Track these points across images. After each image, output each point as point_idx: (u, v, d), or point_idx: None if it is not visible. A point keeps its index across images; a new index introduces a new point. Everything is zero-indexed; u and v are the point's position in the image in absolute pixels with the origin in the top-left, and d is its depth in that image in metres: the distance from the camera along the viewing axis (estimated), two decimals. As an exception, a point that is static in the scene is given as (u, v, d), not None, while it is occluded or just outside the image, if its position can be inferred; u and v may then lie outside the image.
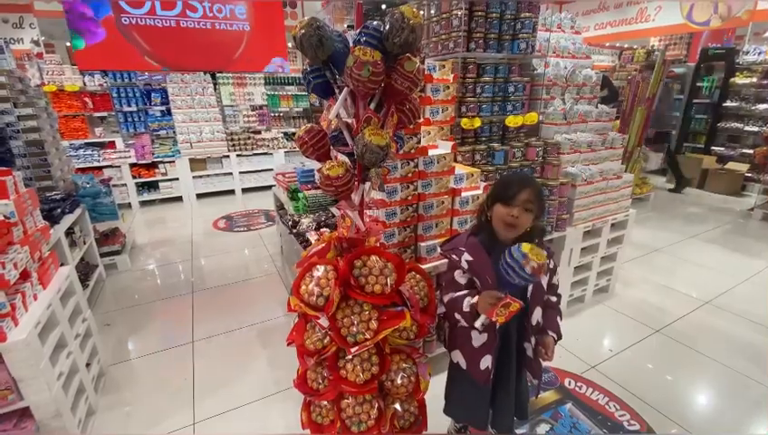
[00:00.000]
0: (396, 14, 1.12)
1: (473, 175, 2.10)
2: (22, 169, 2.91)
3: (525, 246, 1.13)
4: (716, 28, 7.19)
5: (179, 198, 6.10)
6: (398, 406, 1.45)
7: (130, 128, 5.83)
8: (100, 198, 3.60)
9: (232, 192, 6.43)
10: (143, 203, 5.95)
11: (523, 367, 1.46)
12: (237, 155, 6.31)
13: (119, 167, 5.62)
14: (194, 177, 6.11)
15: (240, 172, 6.40)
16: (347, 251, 1.37)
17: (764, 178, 5.26)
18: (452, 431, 1.80)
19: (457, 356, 1.46)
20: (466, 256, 1.33)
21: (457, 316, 1.32)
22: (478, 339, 1.37)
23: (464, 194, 2.02)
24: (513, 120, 2.51)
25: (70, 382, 1.87)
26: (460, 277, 1.37)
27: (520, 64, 2.66)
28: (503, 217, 1.28)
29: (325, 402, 1.43)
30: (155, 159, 5.81)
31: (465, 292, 1.32)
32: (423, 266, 1.86)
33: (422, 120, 2.04)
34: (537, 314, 1.37)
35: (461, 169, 2.11)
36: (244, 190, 6.50)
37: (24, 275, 1.74)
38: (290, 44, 6.66)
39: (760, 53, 6.42)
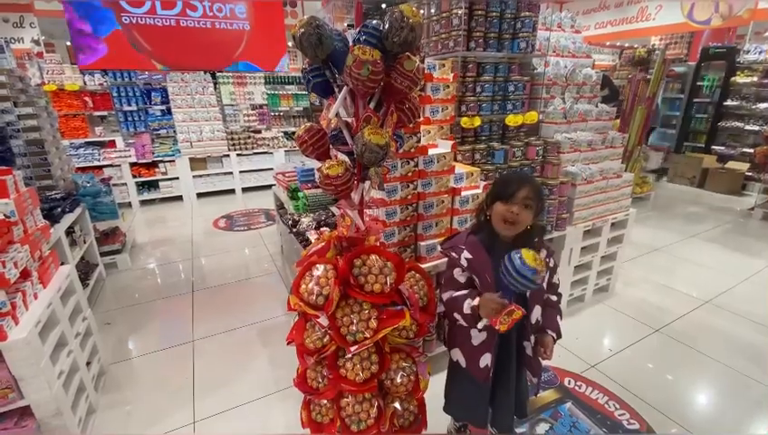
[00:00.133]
0: (395, 13, 1.12)
1: (473, 174, 2.10)
2: (22, 169, 2.91)
3: (527, 256, 1.12)
4: (717, 27, 7.17)
5: (179, 198, 6.10)
6: (397, 405, 1.45)
7: (131, 127, 5.84)
8: (100, 197, 3.60)
9: (232, 191, 6.43)
10: (143, 202, 5.95)
11: (522, 365, 1.46)
12: (237, 154, 6.31)
13: (119, 166, 5.62)
14: (194, 176, 6.11)
15: (240, 171, 6.40)
16: (347, 250, 1.37)
17: (765, 178, 5.26)
18: (452, 430, 1.80)
19: (457, 354, 1.46)
20: (466, 254, 1.33)
21: (457, 316, 1.32)
22: (478, 337, 1.38)
23: (464, 193, 2.02)
24: (513, 120, 2.51)
25: (70, 381, 1.87)
26: (459, 276, 1.37)
27: (520, 63, 2.66)
28: (502, 214, 1.28)
29: (325, 401, 1.44)
30: (155, 159, 5.81)
31: (464, 292, 1.32)
32: (423, 266, 1.86)
33: (422, 119, 2.04)
34: (537, 313, 1.37)
35: (461, 169, 2.11)
36: (245, 190, 6.50)
37: (25, 274, 1.74)
38: (290, 43, 6.65)
39: (761, 52, 6.41)
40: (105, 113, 5.84)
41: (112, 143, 5.76)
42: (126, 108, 5.74)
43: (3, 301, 1.52)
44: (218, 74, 6.32)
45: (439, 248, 1.51)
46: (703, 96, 6.98)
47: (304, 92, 7.02)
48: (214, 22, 5.80)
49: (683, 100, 7.22)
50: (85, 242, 3.23)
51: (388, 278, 1.29)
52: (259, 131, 6.66)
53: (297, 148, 1.37)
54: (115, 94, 5.67)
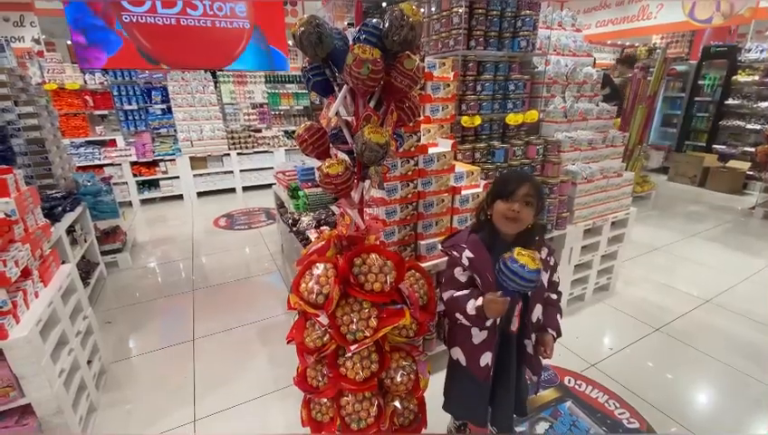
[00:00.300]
0: (395, 12, 1.12)
1: (473, 173, 2.10)
2: (23, 168, 2.91)
3: (521, 257, 1.12)
4: (718, 26, 7.16)
5: (180, 197, 6.11)
6: (397, 404, 1.45)
7: (131, 126, 5.84)
8: (100, 196, 3.60)
9: (232, 190, 6.43)
10: (144, 201, 5.96)
11: (522, 364, 1.46)
12: (238, 153, 6.31)
13: (119, 165, 5.62)
14: (194, 175, 6.11)
15: (241, 170, 6.41)
16: (347, 249, 1.37)
17: (766, 177, 5.24)
18: (452, 429, 1.80)
19: (457, 353, 1.46)
20: (468, 254, 1.33)
21: (459, 316, 1.32)
22: (478, 336, 1.38)
23: (464, 192, 2.02)
24: (513, 118, 2.51)
25: (71, 380, 1.88)
26: (460, 275, 1.37)
27: (520, 62, 2.66)
28: (504, 212, 1.28)
29: (325, 400, 1.44)
30: (155, 158, 5.82)
31: (466, 292, 1.32)
32: (423, 265, 1.87)
33: (422, 118, 2.04)
34: (537, 312, 1.37)
35: (461, 167, 2.11)
36: (245, 189, 6.50)
37: (26, 273, 1.74)
38: (290, 42, 6.65)
39: (762, 51, 6.39)
40: (106, 112, 5.84)
41: (113, 142, 5.77)
42: (126, 107, 5.75)
43: (4, 299, 1.53)
44: (218, 73, 6.33)
45: (440, 247, 1.51)
46: (704, 95, 6.97)
47: (305, 91, 7.02)
48: (214, 21, 5.79)
49: (684, 98, 7.21)
50: (86, 241, 3.23)
51: (388, 277, 1.29)
52: (259, 130, 6.66)
53: (297, 147, 1.37)
54: (115, 93, 5.68)
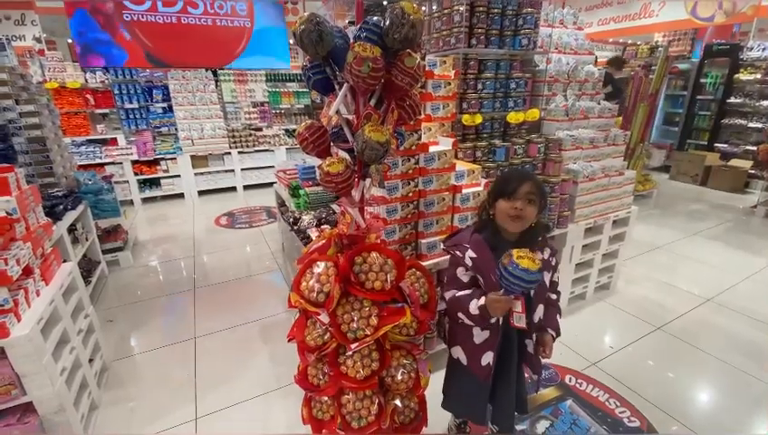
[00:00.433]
0: (396, 10, 1.12)
1: (474, 172, 2.09)
2: (24, 166, 2.92)
3: (523, 261, 1.11)
4: (721, 24, 7.13)
5: (181, 195, 6.11)
6: (398, 402, 1.46)
7: (132, 125, 5.85)
8: (102, 194, 3.60)
9: (233, 189, 6.44)
10: (145, 200, 5.96)
11: (522, 362, 1.46)
12: (239, 152, 6.31)
13: (120, 164, 5.62)
14: (195, 174, 6.12)
15: (241, 169, 6.41)
16: (347, 248, 1.37)
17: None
18: (452, 427, 1.81)
19: (458, 352, 1.46)
20: (470, 254, 1.32)
21: (461, 316, 1.32)
22: (480, 336, 1.37)
23: (464, 191, 2.02)
24: (514, 117, 2.50)
25: (73, 378, 1.88)
26: (463, 275, 1.37)
27: (521, 60, 2.65)
28: (507, 211, 1.28)
29: (326, 398, 1.44)
30: (156, 156, 5.82)
31: (468, 292, 1.32)
32: (423, 263, 1.86)
33: (423, 116, 2.03)
34: (539, 312, 1.37)
35: (462, 166, 2.10)
36: (246, 187, 6.50)
37: (27, 272, 1.75)
38: (291, 41, 6.64)
39: (764, 49, 6.37)
40: (107, 111, 5.85)
41: (114, 141, 5.78)
42: (127, 105, 5.75)
43: (5, 298, 1.53)
44: (219, 72, 6.32)
45: (442, 246, 1.51)
46: (706, 93, 6.95)
47: (305, 90, 7.01)
48: (215, 19, 5.79)
49: (686, 97, 7.19)
50: (87, 239, 3.24)
51: (388, 276, 1.29)
52: (260, 129, 6.66)
53: (298, 145, 1.37)
54: (116, 92, 5.68)
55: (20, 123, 2.93)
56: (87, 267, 3.20)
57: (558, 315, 1.45)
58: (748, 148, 6.36)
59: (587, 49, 3.09)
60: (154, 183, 5.99)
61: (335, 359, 1.35)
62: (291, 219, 2.86)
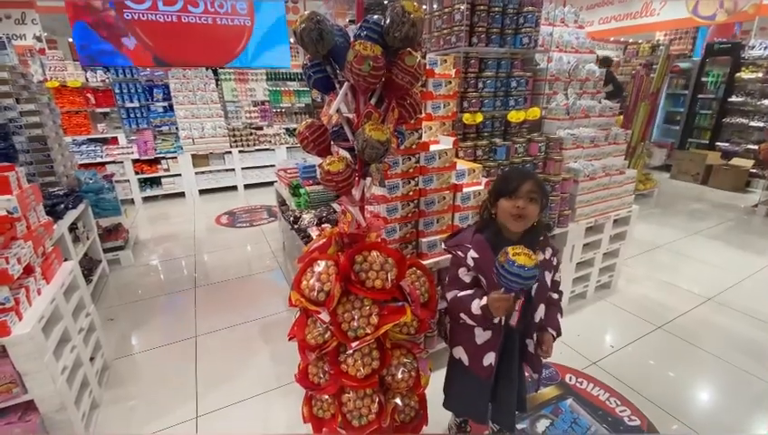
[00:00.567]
0: (396, 8, 1.12)
1: (474, 171, 2.09)
2: (25, 165, 2.92)
3: (519, 258, 1.10)
4: (722, 23, 7.11)
5: (182, 194, 6.12)
6: (398, 400, 1.46)
7: (133, 124, 5.85)
8: (102, 193, 3.61)
9: (234, 188, 6.44)
10: (146, 199, 5.97)
11: (523, 361, 1.46)
12: (239, 151, 6.31)
13: (121, 163, 5.63)
14: (196, 173, 6.12)
15: (242, 168, 6.41)
16: (348, 246, 1.37)
17: (769, 174, 5.22)
18: (452, 426, 1.81)
19: (459, 352, 1.46)
20: (473, 254, 1.32)
21: (463, 316, 1.32)
22: (482, 336, 1.37)
23: (465, 190, 2.02)
24: (515, 116, 2.50)
25: (74, 376, 1.89)
26: (465, 275, 1.37)
27: (522, 59, 2.65)
28: (509, 210, 1.28)
29: (326, 397, 1.44)
30: (157, 155, 5.82)
31: (470, 292, 1.32)
32: (424, 262, 1.86)
33: (423, 115, 2.03)
34: (541, 311, 1.37)
35: (463, 165, 2.10)
36: (247, 186, 6.50)
37: (28, 270, 1.75)
38: (291, 40, 6.64)
39: (766, 48, 6.35)
40: (107, 110, 5.85)
41: (115, 140, 5.78)
42: (128, 104, 5.75)
43: (6, 296, 1.53)
44: (220, 71, 6.32)
45: (443, 246, 1.51)
46: (707, 92, 6.93)
47: (306, 89, 7.01)
48: (215, 18, 5.79)
49: (687, 96, 7.17)
50: (88, 238, 3.24)
51: (389, 274, 1.29)
52: (261, 128, 6.66)
53: (299, 144, 1.37)
54: (117, 91, 5.68)
55: (21, 122, 2.93)
56: (88, 266, 3.20)
57: (559, 315, 1.45)
58: (749, 147, 6.34)
59: (588, 47, 3.09)
60: (155, 182, 5.99)
61: (336, 357, 1.35)
62: (291, 218, 2.86)
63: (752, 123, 6.39)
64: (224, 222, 5.01)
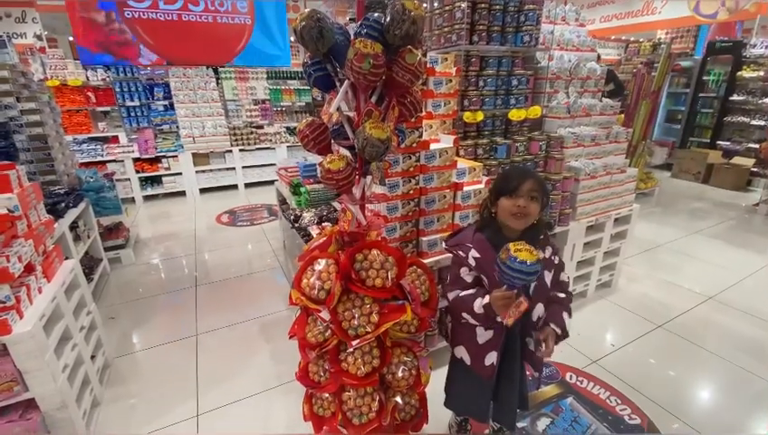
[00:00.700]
0: (397, 6, 1.11)
1: (475, 169, 2.09)
2: (25, 164, 2.92)
3: (521, 254, 1.10)
4: (724, 21, 7.09)
5: (183, 193, 6.12)
6: (398, 399, 1.46)
7: (133, 122, 5.85)
8: (103, 192, 3.61)
9: (235, 187, 6.44)
10: (147, 198, 5.97)
11: (524, 360, 1.46)
12: (240, 150, 6.31)
13: (122, 161, 5.63)
14: (197, 171, 6.12)
15: (243, 167, 6.41)
16: (348, 245, 1.37)
17: (771, 173, 5.21)
18: (453, 424, 1.81)
19: (461, 352, 1.45)
20: (474, 253, 1.32)
21: (465, 315, 1.32)
22: (483, 336, 1.37)
23: (466, 188, 2.01)
24: (516, 114, 2.49)
25: (75, 374, 1.89)
26: (466, 275, 1.36)
27: (523, 57, 2.64)
28: (510, 209, 1.28)
29: (327, 395, 1.44)
30: (158, 154, 5.82)
31: (471, 291, 1.32)
32: (424, 261, 1.86)
33: (424, 113, 2.03)
34: (539, 310, 1.36)
35: (463, 164, 2.10)
36: (247, 185, 6.51)
37: (29, 269, 1.75)
38: (292, 38, 6.62)
39: (767, 47, 6.33)
40: (108, 109, 5.85)
41: (115, 139, 5.78)
42: (129, 103, 5.75)
43: (7, 295, 1.54)
44: (220, 69, 6.31)
45: (444, 245, 1.51)
46: (709, 91, 6.92)
47: (307, 88, 7.00)
48: (216, 16, 5.78)
49: (688, 94, 7.15)
50: (89, 237, 3.24)
51: (389, 273, 1.29)
52: (261, 127, 6.65)
53: (299, 143, 1.37)
54: (118, 89, 5.68)
55: (21, 121, 2.93)
56: (89, 265, 3.21)
57: (566, 314, 1.40)
58: (750, 146, 6.33)
59: (589, 46, 3.08)
60: (155, 181, 5.99)
61: (336, 356, 1.35)
62: (292, 217, 2.86)
63: (753, 122, 6.38)
64: (224, 221, 5.02)
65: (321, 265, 1.31)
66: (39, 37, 6.60)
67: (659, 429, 1.91)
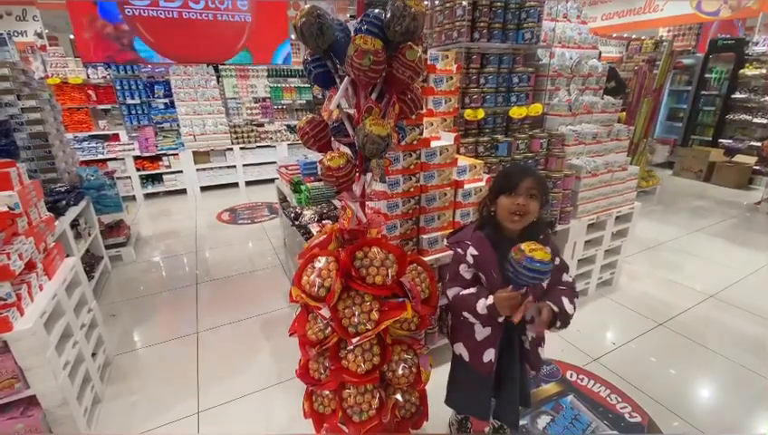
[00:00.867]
0: (397, 2, 1.11)
1: (476, 167, 2.08)
2: (26, 162, 2.92)
3: (537, 253, 1.09)
4: (726, 18, 7.05)
5: (183, 191, 6.12)
6: (399, 396, 1.46)
7: (134, 120, 5.84)
8: (104, 190, 3.61)
9: (235, 185, 6.44)
10: (147, 196, 5.98)
11: (522, 360, 1.46)
12: (241, 148, 6.31)
13: (123, 159, 5.63)
14: (198, 169, 6.12)
15: (243, 165, 6.41)
16: (348, 242, 1.37)
17: (773, 171, 5.20)
18: (453, 422, 1.81)
19: (460, 348, 1.46)
20: (472, 251, 1.32)
21: (467, 314, 1.32)
22: (481, 333, 1.37)
23: (466, 186, 2.01)
24: (517, 112, 2.49)
25: (76, 371, 1.89)
26: (465, 272, 1.37)
27: (524, 55, 2.63)
28: (508, 207, 1.27)
29: (327, 392, 1.44)
30: (159, 152, 5.83)
31: (473, 290, 1.31)
32: (425, 259, 1.86)
33: (425, 111, 2.02)
34: (532, 310, 1.35)
35: (464, 161, 2.09)
36: (248, 183, 6.51)
37: (30, 266, 1.75)
38: (292, 36, 6.61)
39: (770, 44, 6.31)
40: (108, 107, 5.84)
41: (116, 137, 5.77)
42: (129, 101, 5.74)
43: (8, 292, 1.54)
44: (221, 67, 6.30)
45: (445, 241, 1.51)
46: (711, 88, 6.89)
47: (307, 85, 6.99)
48: (216, 14, 5.77)
49: (690, 92, 7.13)
50: (90, 235, 3.25)
51: (389, 271, 1.28)
52: (262, 125, 6.65)
53: (300, 141, 1.36)
54: (118, 87, 5.67)
55: (22, 119, 2.93)
56: (90, 262, 3.21)
57: (565, 298, 1.30)
58: (753, 143, 6.31)
59: (590, 43, 3.07)
60: (156, 179, 6.00)
61: (336, 353, 1.35)
62: (292, 215, 2.86)
63: (755, 120, 6.35)
64: (225, 219, 5.02)
65: (321, 262, 1.30)
66: (40, 35, 6.60)
67: (660, 427, 1.91)
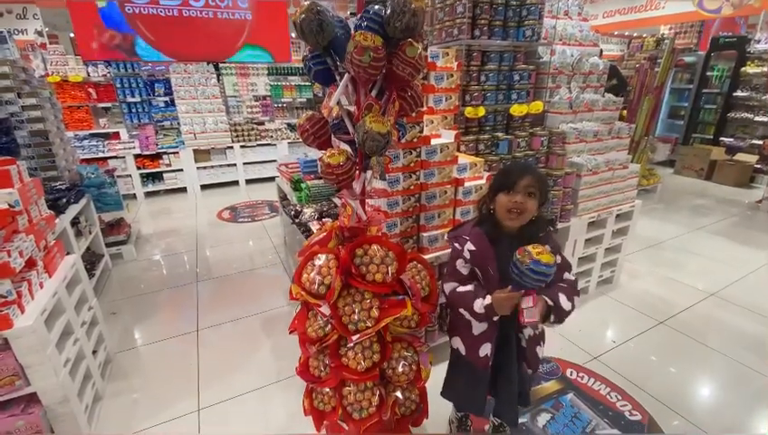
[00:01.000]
0: (397, -2, 1.10)
1: (476, 165, 2.08)
2: (26, 159, 2.92)
3: (544, 256, 1.10)
4: (728, 16, 7.03)
5: (184, 189, 6.12)
6: (399, 394, 1.46)
7: (134, 119, 5.84)
8: (104, 188, 3.61)
9: (236, 183, 6.44)
10: (148, 194, 5.98)
11: (520, 359, 1.45)
12: (241, 146, 6.30)
13: (123, 158, 5.63)
14: (198, 168, 6.12)
15: (244, 163, 6.41)
16: (348, 240, 1.37)
17: (774, 170, 5.18)
18: (453, 420, 1.81)
19: (457, 342, 1.47)
20: (469, 246, 1.32)
21: (463, 312, 1.32)
22: (478, 327, 1.38)
23: (467, 184, 2.00)
24: (517, 109, 2.48)
25: (76, 369, 1.90)
26: (462, 267, 1.37)
27: (525, 52, 2.62)
28: (506, 205, 1.27)
29: (327, 390, 1.45)
30: (159, 150, 5.82)
31: (470, 288, 1.31)
32: (425, 256, 1.86)
33: (425, 108, 2.02)
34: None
35: (464, 159, 2.09)
36: (248, 181, 6.51)
37: (30, 264, 1.75)
38: (293, 34, 6.60)
39: (772, 42, 6.28)
40: (109, 105, 5.84)
41: (116, 135, 5.77)
42: (130, 99, 5.74)
43: (8, 289, 1.54)
44: (221, 65, 6.29)
45: (446, 236, 1.51)
46: (712, 86, 6.86)
47: (308, 84, 6.99)
48: (216, 12, 5.76)
49: (692, 90, 7.10)
50: (90, 232, 3.25)
51: (389, 268, 1.28)
52: (262, 123, 6.64)
53: (300, 139, 1.36)
54: (119, 85, 5.67)
55: (22, 117, 2.93)
56: (91, 260, 3.21)
57: (563, 295, 1.26)
58: (754, 142, 6.29)
59: (592, 40, 3.05)
60: (157, 177, 6.00)
61: (336, 351, 1.35)
62: (293, 213, 2.86)
63: (757, 118, 6.33)
64: (225, 217, 5.02)
65: (321, 260, 1.31)
66: (40, 33, 6.59)
67: (660, 425, 1.91)
